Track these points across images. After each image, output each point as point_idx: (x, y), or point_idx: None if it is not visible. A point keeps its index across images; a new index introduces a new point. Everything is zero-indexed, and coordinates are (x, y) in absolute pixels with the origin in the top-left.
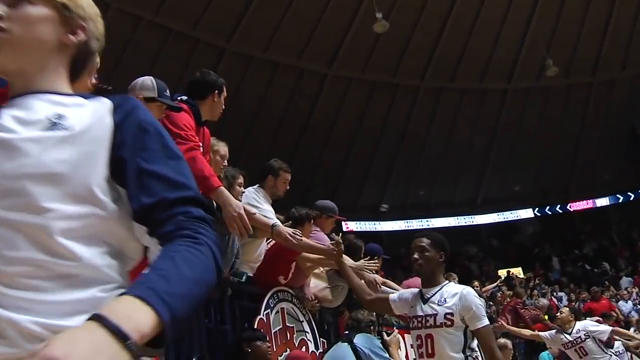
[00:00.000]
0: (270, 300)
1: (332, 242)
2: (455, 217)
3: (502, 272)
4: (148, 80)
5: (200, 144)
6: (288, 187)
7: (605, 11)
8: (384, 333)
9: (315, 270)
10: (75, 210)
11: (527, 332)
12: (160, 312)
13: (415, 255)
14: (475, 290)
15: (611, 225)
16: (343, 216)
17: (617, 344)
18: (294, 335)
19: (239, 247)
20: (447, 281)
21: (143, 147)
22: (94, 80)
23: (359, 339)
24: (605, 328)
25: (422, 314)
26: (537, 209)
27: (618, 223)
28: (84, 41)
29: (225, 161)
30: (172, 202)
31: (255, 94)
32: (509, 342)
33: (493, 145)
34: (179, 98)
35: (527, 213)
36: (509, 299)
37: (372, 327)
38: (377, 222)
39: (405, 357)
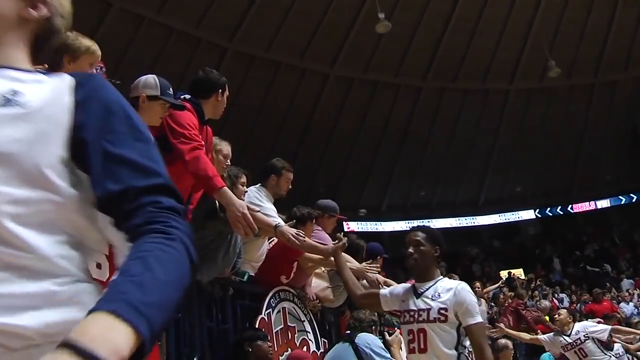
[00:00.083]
0: (272, 299)
1: (335, 242)
2: (457, 218)
3: (503, 273)
4: (151, 78)
5: (203, 143)
6: (290, 187)
7: (608, 12)
8: (386, 333)
9: (317, 270)
10: (26, 194)
11: (526, 336)
12: (138, 327)
13: (410, 250)
14: (476, 291)
15: (613, 226)
16: (344, 216)
17: (617, 346)
18: (295, 335)
19: (241, 246)
20: (442, 276)
21: (109, 129)
22: (93, 72)
23: (360, 339)
24: (605, 327)
25: (415, 308)
26: (538, 210)
27: (619, 225)
28: (47, 17)
29: (228, 161)
30: (140, 191)
31: (257, 94)
32: (509, 343)
33: (495, 146)
34: (182, 97)
35: (528, 214)
36: (510, 300)
37: (373, 327)
38: (378, 223)
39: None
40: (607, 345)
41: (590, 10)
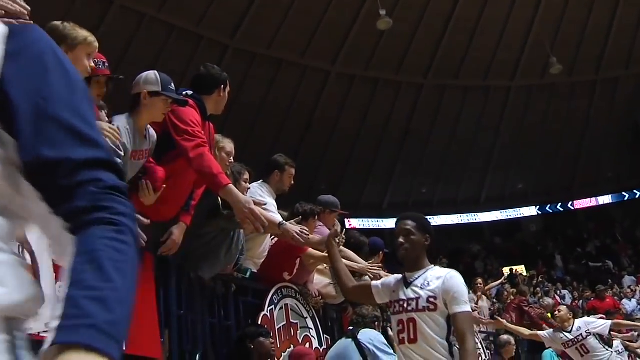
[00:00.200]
0: (275, 296)
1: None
2: (459, 215)
3: (505, 270)
4: (152, 74)
5: (207, 140)
6: (292, 182)
7: (610, 9)
8: (389, 329)
9: (319, 267)
10: None
11: (525, 331)
12: (113, 355)
13: (401, 240)
14: (478, 287)
15: (615, 223)
16: (345, 211)
17: (616, 343)
18: (298, 332)
19: (244, 243)
20: (432, 265)
21: (43, 86)
22: (92, 64)
23: (363, 335)
24: (605, 322)
25: (404, 297)
26: (540, 206)
27: (621, 221)
28: None
29: (231, 158)
30: (80, 164)
31: (258, 91)
32: (512, 339)
33: (496, 143)
34: (184, 93)
35: (530, 211)
36: (512, 297)
37: (376, 323)
38: (380, 220)
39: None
40: (607, 342)
41: (591, 7)
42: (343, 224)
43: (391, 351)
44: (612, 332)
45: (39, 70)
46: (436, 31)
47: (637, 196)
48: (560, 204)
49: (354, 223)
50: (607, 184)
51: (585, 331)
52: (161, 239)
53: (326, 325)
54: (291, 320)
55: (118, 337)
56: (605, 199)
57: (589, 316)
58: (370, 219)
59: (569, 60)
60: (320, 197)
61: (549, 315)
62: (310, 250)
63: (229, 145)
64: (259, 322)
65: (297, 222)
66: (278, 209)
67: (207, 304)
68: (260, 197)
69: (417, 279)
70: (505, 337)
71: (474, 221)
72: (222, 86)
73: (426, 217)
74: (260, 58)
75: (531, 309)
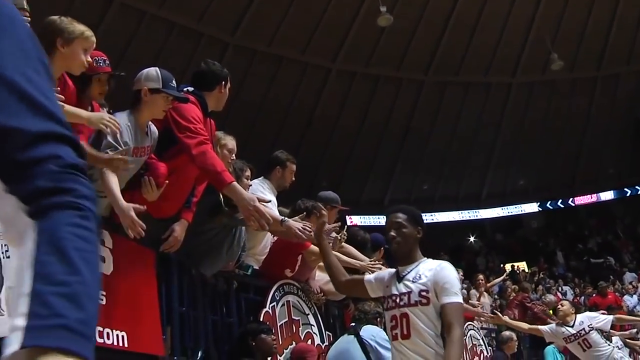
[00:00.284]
0: (276, 293)
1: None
2: (460, 212)
3: (508, 267)
4: (153, 71)
5: (209, 137)
6: (293, 179)
7: (611, 5)
8: None
9: (321, 263)
10: None
11: (525, 325)
12: (86, 356)
13: (392, 233)
14: (479, 283)
15: (616, 220)
16: (345, 207)
17: (615, 339)
18: (300, 329)
19: (245, 239)
20: (425, 258)
21: None
22: (89, 59)
23: (365, 331)
24: (607, 317)
25: (396, 292)
26: (541, 203)
27: (623, 218)
28: None
29: (233, 155)
30: (36, 137)
31: (259, 88)
32: (513, 335)
33: (497, 139)
34: (185, 89)
35: (531, 207)
36: (514, 294)
37: (378, 319)
38: (381, 216)
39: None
40: (607, 337)
41: (592, 3)
42: (344, 221)
43: None
44: (611, 329)
45: None
46: (437, 27)
47: (638, 192)
48: (561, 201)
49: (355, 220)
50: (609, 180)
51: (588, 325)
52: (163, 236)
53: (328, 322)
54: (293, 317)
55: (91, 336)
56: (607, 195)
57: (590, 312)
58: (371, 216)
59: (570, 56)
60: (321, 193)
61: (551, 312)
62: (312, 246)
63: (230, 142)
64: (261, 319)
65: (302, 218)
66: (278, 206)
67: (208, 301)
68: (262, 193)
69: (409, 272)
70: (507, 333)
71: (476, 217)
72: (223, 82)
73: (427, 213)
74: (260, 55)
75: (533, 305)
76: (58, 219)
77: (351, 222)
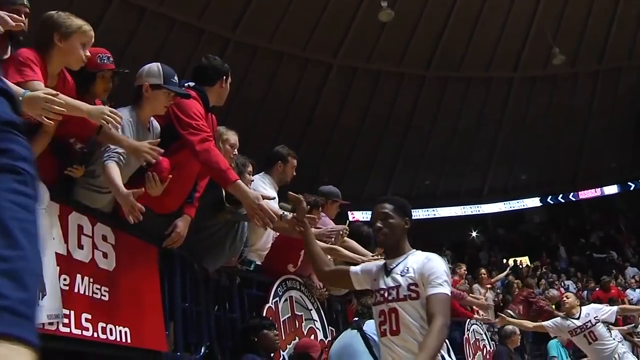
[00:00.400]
0: (279, 288)
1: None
2: (462, 207)
3: (510, 262)
4: (154, 66)
5: (212, 134)
6: (294, 173)
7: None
8: None
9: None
10: None
11: (529, 323)
12: (31, 341)
13: (378, 224)
14: (482, 277)
15: (618, 214)
16: (346, 200)
17: (615, 332)
18: (303, 324)
19: (248, 235)
20: (413, 250)
21: None
22: (87, 53)
23: (368, 326)
24: (612, 308)
25: (384, 286)
26: (543, 197)
27: (625, 212)
28: None
29: (235, 150)
30: None
31: (260, 84)
32: (516, 329)
33: (499, 134)
34: (186, 84)
35: (533, 202)
36: (518, 289)
37: None
38: None
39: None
40: (608, 328)
41: None
42: (346, 217)
43: None
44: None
45: None
46: (438, 22)
47: None
48: (563, 195)
49: (357, 216)
50: (611, 175)
51: (594, 317)
52: (165, 231)
53: (331, 317)
54: (296, 312)
55: (34, 317)
56: (611, 189)
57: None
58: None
59: (572, 50)
60: (322, 188)
61: (553, 307)
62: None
63: (232, 137)
64: (264, 315)
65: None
66: (280, 202)
67: (211, 297)
68: (263, 188)
69: (397, 265)
70: (510, 327)
71: (477, 212)
72: (224, 77)
73: (429, 208)
74: (261, 51)
75: (538, 300)
76: None
77: (353, 217)
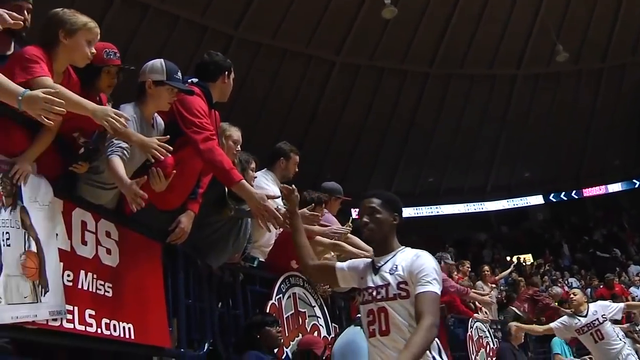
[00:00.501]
0: (282, 285)
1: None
2: (465, 204)
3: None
4: (158, 63)
5: (215, 132)
6: (297, 170)
7: None
8: None
9: (326, 255)
10: None
11: (539, 328)
12: None
13: (365, 219)
14: (485, 274)
15: (622, 212)
16: (348, 196)
17: (621, 333)
18: (306, 321)
19: (251, 231)
20: (403, 247)
21: None
22: (93, 50)
23: None
24: (618, 305)
25: (372, 285)
26: (546, 195)
27: (629, 210)
28: None
29: (239, 146)
30: None
31: (263, 81)
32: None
33: (503, 131)
34: (189, 80)
35: (537, 199)
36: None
37: None
38: None
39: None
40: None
41: None
42: (350, 214)
43: None
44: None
45: None
46: (441, 20)
47: None
48: (567, 193)
49: None
50: (614, 172)
51: (602, 315)
52: (169, 227)
53: (334, 314)
54: (299, 309)
55: None
56: (615, 187)
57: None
58: None
59: (575, 48)
60: (324, 184)
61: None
62: (318, 237)
63: (236, 133)
64: (267, 311)
65: (309, 209)
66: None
67: (215, 293)
68: (266, 185)
69: (385, 263)
70: (513, 324)
71: (481, 210)
72: (227, 73)
73: (433, 206)
74: (265, 48)
75: (544, 297)
76: None
77: (357, 215)
